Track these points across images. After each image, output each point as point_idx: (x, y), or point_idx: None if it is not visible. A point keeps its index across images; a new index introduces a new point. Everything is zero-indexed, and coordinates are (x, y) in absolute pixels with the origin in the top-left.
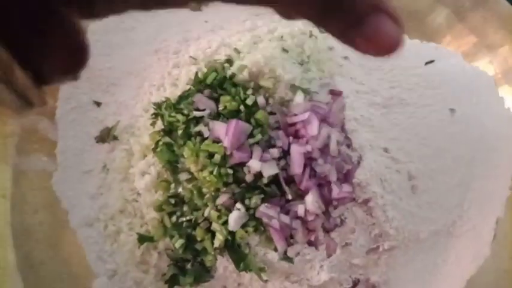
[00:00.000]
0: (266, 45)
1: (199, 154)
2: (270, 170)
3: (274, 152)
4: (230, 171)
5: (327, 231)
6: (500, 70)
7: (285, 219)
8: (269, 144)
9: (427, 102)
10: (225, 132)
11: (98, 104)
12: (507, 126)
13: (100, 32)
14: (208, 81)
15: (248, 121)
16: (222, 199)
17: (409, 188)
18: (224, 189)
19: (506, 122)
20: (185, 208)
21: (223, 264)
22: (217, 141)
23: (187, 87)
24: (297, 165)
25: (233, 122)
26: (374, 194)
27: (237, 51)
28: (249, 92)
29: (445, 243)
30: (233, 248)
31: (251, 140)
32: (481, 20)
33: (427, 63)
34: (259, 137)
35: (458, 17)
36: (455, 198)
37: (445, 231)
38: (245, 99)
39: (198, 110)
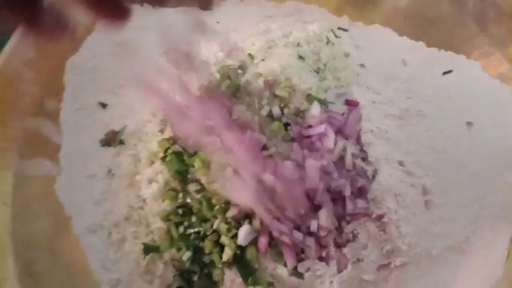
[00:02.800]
0: (281, 51)
1: (211, 166)
2: None
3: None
4: None
5: (338, 246)
6: None
7: (298, 236)
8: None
9: (444, 114)
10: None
11: (104, 105)
12: None
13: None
14: (222, 88)
15: (262, 132)
16: (232, 212)
17: (423, 203)
18: None
19: None
20: (193, 219)
21: (231, 278)
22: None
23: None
24: (312, 180)
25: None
26: (388, 210)
27: (251, 56)
28: (264, 101)
29: (457, 260)
30: (242, 262)
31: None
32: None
33: (444, 73)
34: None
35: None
36: (470, 215)
37: (457, 247)
38: (259, 109)
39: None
